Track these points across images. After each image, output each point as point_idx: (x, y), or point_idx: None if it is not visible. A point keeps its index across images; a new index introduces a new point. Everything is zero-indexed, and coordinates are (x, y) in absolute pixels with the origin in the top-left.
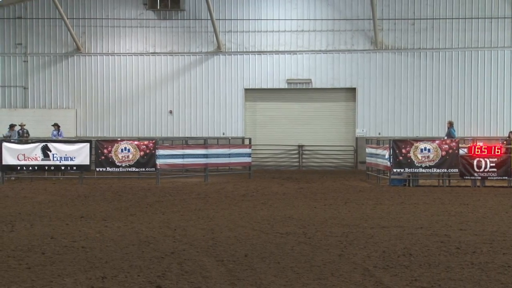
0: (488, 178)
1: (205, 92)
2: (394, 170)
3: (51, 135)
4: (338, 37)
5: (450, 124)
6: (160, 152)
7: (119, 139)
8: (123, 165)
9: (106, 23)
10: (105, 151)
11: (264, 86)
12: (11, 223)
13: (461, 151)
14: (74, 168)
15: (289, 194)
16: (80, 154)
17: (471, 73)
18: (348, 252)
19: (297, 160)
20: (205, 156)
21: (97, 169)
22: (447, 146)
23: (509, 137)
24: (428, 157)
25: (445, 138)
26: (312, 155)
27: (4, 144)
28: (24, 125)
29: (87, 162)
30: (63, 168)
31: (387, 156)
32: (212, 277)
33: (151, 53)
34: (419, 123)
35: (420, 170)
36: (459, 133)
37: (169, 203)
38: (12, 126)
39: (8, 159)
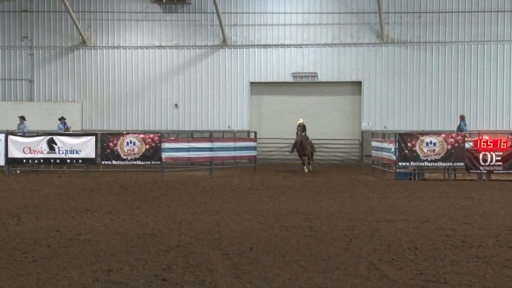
0: (494, 172)
1: (210, 86)
2: (400, 163)
3: (57, 128)
4: (344, 31)
5: (462, 118)
6: (166, 145)
7: (124, 132)
8: (129, 158)
9: (111, 16)
10: (111, 144)
11: (269, 80)
12: (17, 216)
13: (467, 145)
14: (80, 161)
15: (295, 187)
16: (86, 147)
17: (477, 66)
18: (353, 245)
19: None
20: (211, 149)
21: (103, 162)
22: (452, 139)
23: None
24: (433, 150)
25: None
26: (317, 149)
27: (10, 137)
28: None
29: (92, 155)
30: (68, 161)
31: (392, 150)
32: (218, 270)
33: (157, 46)
34: (424, 116)
35: (426, 163)
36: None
37: (175, 197)
38: (22, 118)
39: (14, 152)
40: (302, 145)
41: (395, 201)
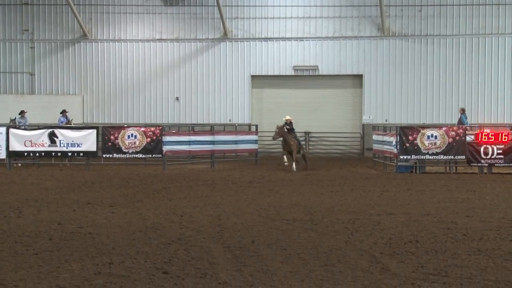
0: (495, 165)
1: (211, 79)
2: (401, 157)
3: (58, 121)
4: (345, 24)
5: (462, 111)
6: (167, 138)
7: (125, 125)
8: (130, 152)
9: (112, 9)
10: (112, 137)
11: (270, 73)
12: (18, 209)
13: (468, 138)
14: (81, 154)
15: (296, 181)
16: (87, 141)
17: (478, 59)
18: (354, 238)
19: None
20: (212, 142)
21: (104, 156)
22: (454, 133)
23: None
24: (435, 144)
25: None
26: (318, 142)
27: (11, 130)
28: None
29: (93, 148)
30: (69, 154)
31: (394, 143)
32: (219, 263)
33: (158, 39)
34: (426, 109)
35: (427, 157)
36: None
37: (176, 190)
38: (22, 113)
39: (15, 145)
40: (286, 142)
41: (396, 194)
